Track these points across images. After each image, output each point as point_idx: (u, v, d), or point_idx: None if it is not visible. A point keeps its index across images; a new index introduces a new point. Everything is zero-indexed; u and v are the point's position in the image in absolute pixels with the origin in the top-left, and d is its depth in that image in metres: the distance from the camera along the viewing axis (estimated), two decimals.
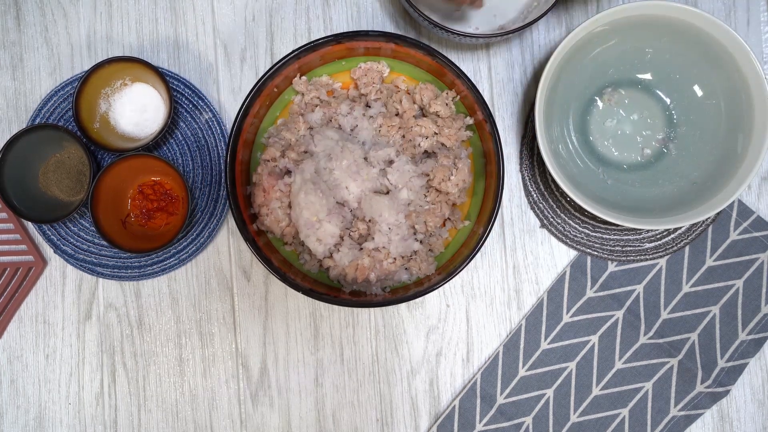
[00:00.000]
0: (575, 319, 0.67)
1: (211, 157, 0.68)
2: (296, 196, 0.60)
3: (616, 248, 0.68)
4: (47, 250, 0.68)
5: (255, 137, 0.64)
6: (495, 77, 0.70)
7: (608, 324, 0.67)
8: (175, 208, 0.67)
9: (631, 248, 0.68)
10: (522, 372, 0.67)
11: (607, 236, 0.68)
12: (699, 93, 0.65)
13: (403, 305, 0.68)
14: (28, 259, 0.68)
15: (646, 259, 0.67)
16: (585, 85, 0.67)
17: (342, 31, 0.67)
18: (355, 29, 0.70)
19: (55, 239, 0.67)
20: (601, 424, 0.67)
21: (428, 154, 0.64)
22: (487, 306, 0.68)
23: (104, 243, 0.67)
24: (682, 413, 0.67)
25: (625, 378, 0.67)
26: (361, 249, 0.62)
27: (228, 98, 0.69)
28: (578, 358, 0.67)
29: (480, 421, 0.66)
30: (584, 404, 0.67)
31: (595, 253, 0.68)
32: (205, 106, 0.67)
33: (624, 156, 0.67)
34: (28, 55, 0.69)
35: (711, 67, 0.63)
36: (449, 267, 0.61)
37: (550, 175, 0.60)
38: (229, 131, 0.67)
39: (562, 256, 0.68)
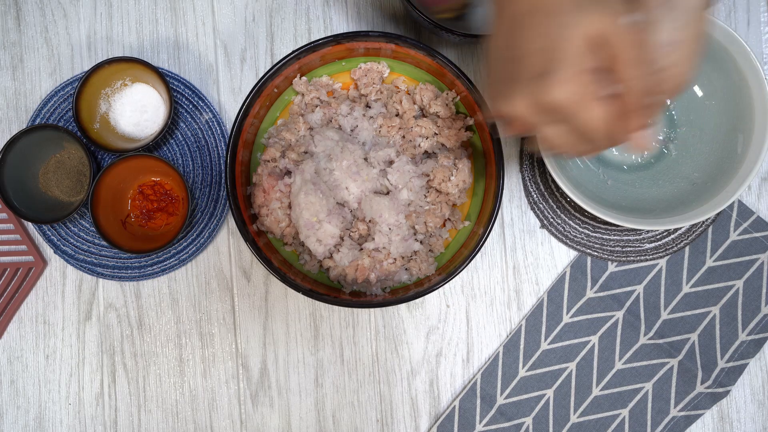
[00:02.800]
0: (575, 319, 0.67)
1: (211, 158, 0.68)
2: (296, 197, 0.60)
3: (616, 249, 0.68)
4: (47, 251, 0.68)
5: (255, 138, 0.64)
6: None
7: (608, 324, 0.67)
8: (175, 209, 0.67)
9: (631, 249, 0.68)
10: (522, 372, 0.67)
11: (607, 237, 0.68)
12: (699, 93, 0.65)
13: (403, 306, 0.68)
14: (28, 260, 0.68)
15: (646, 260, 0.67)
16: None
17: (342, 31, 0.67)
18: (355, 30, 0.70)
19: (55, 239, 0.67)
20: (601, 425, 0.67)
21: (428, 154, 0.64)
22: (487, 306, 0.68)
23: (104, 243, 0.67)
24: (682, 414, 0.67)
25: (625, 378, 0.67)
26: (361, 249, 0.62)
27: (228, 98, 0.69)
28: (578, 359, 0.67)
29: (480, 422, 0.66)
30: (584, 405, 0.67)
31: (595, 253, 0.68)
32: (205, 107, 0.67)
33: (624, 156, 0.68)
34: (28, 56, 0.69)
35: (711, 67, 0.63)
36: (449, 267, 0.61)
37: (550, 175, 0.60)
38: (229, 132, 0.67)
39: (562, 256, 0.68)
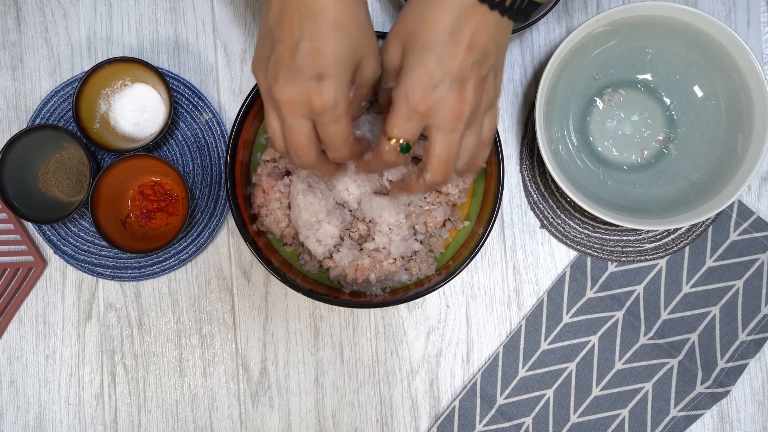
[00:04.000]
0: (575, 319, 0.67)
1: (211, 158, 0.68)
2: (295, 197, 0.59)
3: (616, 249, 0.68)
4: (47, 251, 0.68)
5: (255, 138, 0.64)
6: None
7: (608, 324, 0.67)
8: (175, 209, 0.67)
9: (631, 249, 0.68)
10: (522, 372, 0.67)
11: (607, 237, 0.68)
12: (699, 93, 0.65)
13: (403, 306, 0.68)
14: (28, 260, 0.68)
15: (646, 260, 0.67)
16: (585, 86, 0.67)
17: None
18: None
19: (55, 239, 0.67)
20: (601, 425, 0.67)
21: None
22: (487, 306, 0.68)
23: (104, 243, 0.67)
24: (682, 414, 0.67)
25: (625, 378, 0.67)
26: (361, 249, 0.62)
27: (228, 98, 0.69)
28: (578, 359, 0.67)
29: (480, 422, 0.66)
30: (584, 405, 0.67)
31: (595, 253, 0.68)
32: (205, 107, 0.67)
33: (624, 156, 0.68)
34: (28, 56, 0.69)
35: (711, 68, 0.63)
36: (449, 267, 0.61)
37: (550, 175, 0.60)
38: (229, 132, 0.67)
39: (562, 256, 0.68)
